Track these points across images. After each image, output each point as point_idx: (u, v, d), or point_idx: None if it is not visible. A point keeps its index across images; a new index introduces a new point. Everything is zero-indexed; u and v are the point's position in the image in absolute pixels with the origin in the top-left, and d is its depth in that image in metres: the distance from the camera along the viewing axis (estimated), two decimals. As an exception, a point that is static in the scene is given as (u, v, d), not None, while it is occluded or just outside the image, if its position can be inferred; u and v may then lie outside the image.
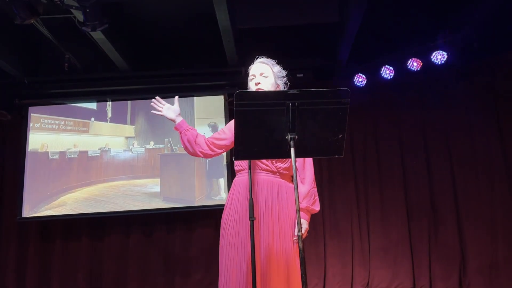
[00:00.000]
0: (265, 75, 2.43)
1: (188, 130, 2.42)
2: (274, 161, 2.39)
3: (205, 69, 5.02)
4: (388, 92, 5.01)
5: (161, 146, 5.02)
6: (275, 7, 4.38)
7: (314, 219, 4.83)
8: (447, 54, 4.38)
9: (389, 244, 4.82)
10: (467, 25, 4.21)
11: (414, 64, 4.56)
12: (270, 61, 2.51)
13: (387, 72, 4.72)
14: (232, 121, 2.13)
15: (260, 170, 2.37)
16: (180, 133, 2.43)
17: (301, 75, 4.83)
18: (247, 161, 2.36)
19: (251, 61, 2.54)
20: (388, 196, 4.94)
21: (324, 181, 5.03)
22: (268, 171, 2.38)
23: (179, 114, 2.48)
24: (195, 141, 2.40)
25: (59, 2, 3.29)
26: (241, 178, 2.41)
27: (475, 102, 4.80)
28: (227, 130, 2.47)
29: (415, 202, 4.89)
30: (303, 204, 2.35)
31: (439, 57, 4.41)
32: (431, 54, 4.44)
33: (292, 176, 2.47)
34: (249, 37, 4.68)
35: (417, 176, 4.93)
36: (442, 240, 4.76)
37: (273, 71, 2.47)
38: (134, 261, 4.87)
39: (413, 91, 5.03)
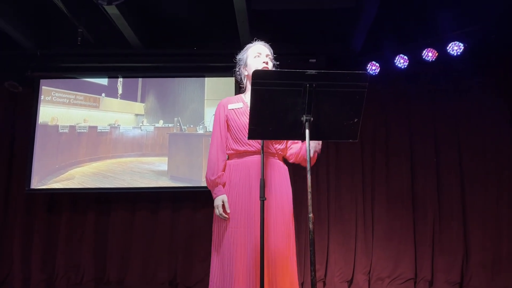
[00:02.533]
0: (270, 57, 2.47)
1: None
2: (273, 143, 2.40)
3: (218, 49, 4.98)
4: (401, 81, 4.97)
5: (170, 125, 5.02)
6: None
7: (318, 204, 4.89)
8: (464, 46, 4.32)
9: (393, 234, 4.82)
10: (486, 17, 4.14)
11: (429, 55, 4.50)
12: (270, 47, 2.55)
13: (401, 61, 4.67)
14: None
15: (257, 153, 2.35)
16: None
17: (314, 60, 4.79)
18: (244, 145, 2.37)
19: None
20: (395, 186, 4.92)
21: (331, 167, 5.02)
22: (268, 153, 2.38)
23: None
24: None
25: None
26: (240, 161, 2.39)
27: (488, 95, 4.75)
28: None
29: (421, 193, 4.88)
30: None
31: (455, 48, 4.35)
32: (447, 45, 4.38)
33: (283, 157, 2.52)
34: (263, 19, 4.63)
35: (425, 167, 4.91)
36: (446, 233, 4.76)
37: (271, 56, 2.51)
38: (139, 238, 4.91)
39: (426, 81, 4.98)
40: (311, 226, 1.86)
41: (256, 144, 2.34)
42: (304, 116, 1.93)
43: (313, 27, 4.84)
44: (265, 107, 1.94)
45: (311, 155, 2.28)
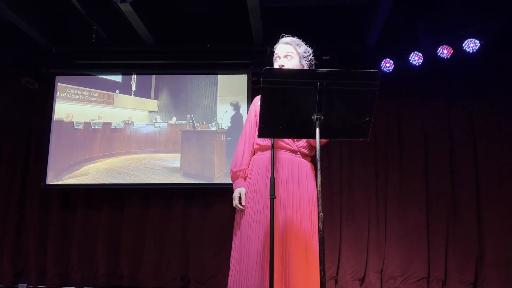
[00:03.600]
0: (289, 57, 2.41)
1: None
2: (294, 140, 2.38)
3: (230, 47, 4.99)
4: (416, 79, 4.91)
5: (183, 122, 5.05)
6: (304, -14, 4.31)
7: (331, 202, 4.88)
8: (480, 43, 4.25)
9: (406, 232, 4.78)
10: (502, 14, 4.06)
11: (444, 52, 4.45)
12: (295, 41, 2.48)
13: (416, 58, 4.61)
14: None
15: (280, 149, 2.36)
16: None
17: (327, 57, 4.76)
18: (267, 140, 2.37)
19: (276, 41, 2.52)
20: (408, 184, 4.87)
21: (344, 166, 5.00)
22: (288, 150, 2.38)
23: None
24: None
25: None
26: (261, 156, 2.41)
27: (504, 93, 4.68)
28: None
29: (435, 191, 4.83)
30: None
31: (471, 45, 4.29)
32: (463, 42, 4.32)
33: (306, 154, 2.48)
34: (276, 16, 4.63)
35: (439, 166, 4.85)
36: (460, 232, 4.70)
37: (297, 52, 2.44)
38: (152, 233, 4.95)
39: (442, 79, 4.92)
40: (320, 225, 1.86)
41: (278, 140, 2.35)
42: (314, 114, 1.92)
43: (326, 24, 4.82)
44: (275, 105, 1.94)
45: None
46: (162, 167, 4.95)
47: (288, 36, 2.50)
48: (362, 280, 4.75)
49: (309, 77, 1.89)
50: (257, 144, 2.44)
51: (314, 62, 2.49)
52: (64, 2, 4.26)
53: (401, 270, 4.71)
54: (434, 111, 4.93)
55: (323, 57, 4.75)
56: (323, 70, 1.87)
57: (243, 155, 2.44)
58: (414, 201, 4.83)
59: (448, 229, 4.73)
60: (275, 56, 2.46)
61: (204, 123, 5.03)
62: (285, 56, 2.41)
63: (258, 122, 2.39)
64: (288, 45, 2.45)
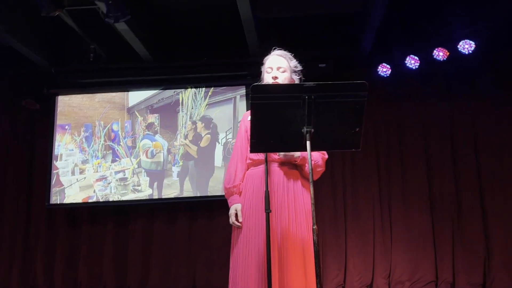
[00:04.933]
0: (282, 69, 2.41)
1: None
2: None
3: (227, 59, 5.02)
4: (413, 82, 4.91)
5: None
6: (297, -4, 4.33)
7: (335, 208, 4.87)
8: (475, 44, 4.26)
9: (412, 236, 4.76)
10: (496, 14, 4.07)
11: (440, 54, 4.46)
12: (288, 55, 2.48)
13: (412, 62, 4.63)
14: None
15: (273, 162, 2.35)
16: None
17: (324, 65, 4.78)
18: (259, 154, 2.37)
19: (270, 52, 2.52)
20: (412, 187, 4.86)
21: (346, 171, 4.99)
22: (282, 162, 2.36)
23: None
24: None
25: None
26: (255, 171, 2.39)
27: (503, 93, 4.67)
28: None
29: (439, 194, 4.81)
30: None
31: (466, 46, 4.30)
32: (458, 44, 4.33)
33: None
34: (271, 27, 4.65)
35: (442, 168, 4.84)
36: (466, 234, 4.67)
37: (289, 65, 2.44)
38: (158, 247, 4.96)
39: (439, 81, 4.92)
40: (315, 237, 1.86)
41: (270, 153, 2.35)
42: (304, 127, 1.93)
43: (321, 32, 4.84)
44: (265, 120, 1.95)
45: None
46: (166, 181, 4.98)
47: (280, 49, 2.49)
48: (370, 286, 4.72)
49: (297, 91, 1.91)
50: (250, 159, 2.43)
51: (303, 78, 2.48)
52: (61, 23, 4.32)
53: (409, 275, 4.68)
54: (434, 113, 4.93)
55: (320, 65, 4.77)
56: (310, 83, 1.89)
57: (236, 171, 2.43)
58: (418, 204, 4.81)
59: (454, 230, 4.71)
60: (266, 67, 2.45)
61: (208, 135, 5.05)
62: (278, 69, 2.41)
63: (249, 138, 2.40)
64: (281, 58, 2.45)
